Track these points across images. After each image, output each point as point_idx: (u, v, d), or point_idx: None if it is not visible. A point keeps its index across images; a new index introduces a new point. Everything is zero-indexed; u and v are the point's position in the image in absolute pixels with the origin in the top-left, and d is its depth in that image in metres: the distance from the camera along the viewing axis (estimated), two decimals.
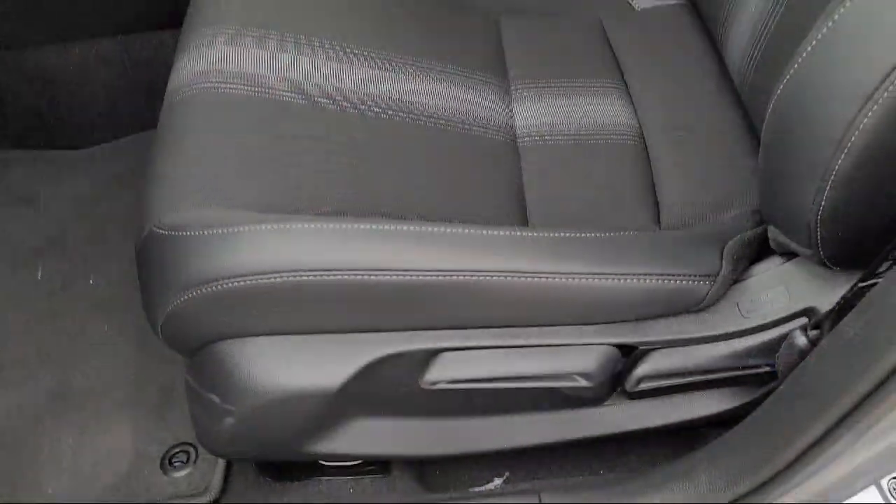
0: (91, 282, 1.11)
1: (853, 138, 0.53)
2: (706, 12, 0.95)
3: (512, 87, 0.93)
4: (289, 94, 0.81)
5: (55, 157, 1.25)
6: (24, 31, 1.17)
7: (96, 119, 1.27)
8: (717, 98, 0.92)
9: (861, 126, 0.52)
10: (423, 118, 0.84)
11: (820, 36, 0.56)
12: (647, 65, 0.97)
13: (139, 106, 1.27)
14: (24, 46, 1.18)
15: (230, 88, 0.80)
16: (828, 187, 0.56)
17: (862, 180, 0.56)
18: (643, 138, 0.89)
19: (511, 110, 0.90)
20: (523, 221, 0.80)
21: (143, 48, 1.22)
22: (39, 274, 1.12)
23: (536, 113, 0.91)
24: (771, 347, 0.72)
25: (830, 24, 0.55)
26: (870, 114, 0.52)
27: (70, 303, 1.09)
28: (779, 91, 0.60)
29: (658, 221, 0.82)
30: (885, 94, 0.51)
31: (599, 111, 0.91)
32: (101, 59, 1.22)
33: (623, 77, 0.95)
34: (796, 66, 0.57)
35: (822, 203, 0.58)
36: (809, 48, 0.56)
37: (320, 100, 0.82)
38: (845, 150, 0.54)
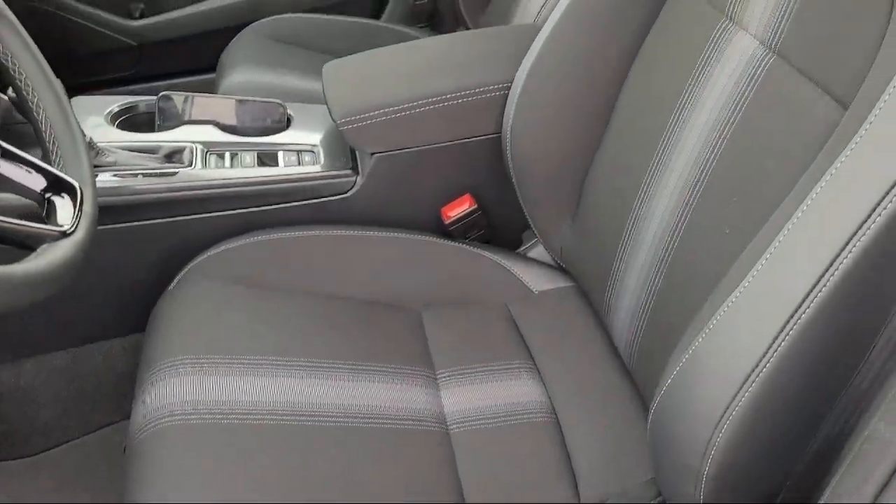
0: None
1: (713, 452, 0.67)
2: (591, 300, 1.13)
3: (438, 377, 1.06)
4: (247, 416, 0.91)
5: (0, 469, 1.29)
6: None
7: (42, 427, 1.31)
8: (616, 371, 1.06)
9: (717, 444, 0.67)
10: (362, 420, 0.95)
11: (679, 367, 0.71)
12: (551, 343, 1.11)
13: (84, 411, 1.33)
14: None
15: (188, 419, 0.90)
16: (702, 484, 0.70)
17: (730, 479, 0.69)
18: (555, 413, 1.02)
19: (440, 399, 1.03)
20: None
21: (91, 357, 1.30)
22: None
23: (462, 399, 1.02)
24: None
25: (687, 356, 0.71)
26: (723, 431, 0.67)
27: None
28: (653, 408, 0.75)
29: (577, 492, 0.93)
30: (734, 414, 0.66)
31: (515, 392, 1.04)
32: (50, 372, 1.29)
33: (532, 356, 1.10)
34: (664, 389, 0.73)
35: (702, 493, 0.71)
36: (672, 377, 0.71)
37: (272, 418, 0.92)
38: (710, 459, 0.67)
